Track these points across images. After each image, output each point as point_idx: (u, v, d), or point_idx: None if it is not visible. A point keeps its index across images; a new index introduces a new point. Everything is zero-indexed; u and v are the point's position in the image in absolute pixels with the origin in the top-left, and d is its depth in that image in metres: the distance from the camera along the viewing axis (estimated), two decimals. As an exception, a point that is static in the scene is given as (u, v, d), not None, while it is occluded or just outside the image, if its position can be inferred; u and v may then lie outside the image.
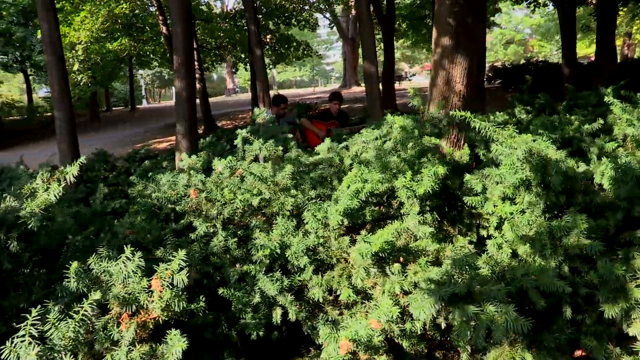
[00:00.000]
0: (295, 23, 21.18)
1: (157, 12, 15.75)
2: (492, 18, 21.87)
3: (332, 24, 28.13)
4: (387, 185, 2.68)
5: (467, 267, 1.95)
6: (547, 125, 3.35)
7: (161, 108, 31.87)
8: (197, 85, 17.79)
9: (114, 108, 34.56)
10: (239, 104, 29.45)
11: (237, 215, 3.04)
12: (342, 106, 7.31)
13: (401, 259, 2.52)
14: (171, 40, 16.71)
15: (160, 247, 2.81)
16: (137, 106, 34.83)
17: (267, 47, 22.22)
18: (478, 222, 2.78)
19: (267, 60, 23.36)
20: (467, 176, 2.75)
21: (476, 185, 2.68)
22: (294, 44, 21.51)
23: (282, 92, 46.50)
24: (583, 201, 2.44)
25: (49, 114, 28.32)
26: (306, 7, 21.83)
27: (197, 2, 20.59)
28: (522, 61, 23.61)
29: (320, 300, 2.41)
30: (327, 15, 27.36)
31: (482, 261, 2.21)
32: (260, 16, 20.55)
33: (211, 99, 39.30)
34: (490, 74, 19.24)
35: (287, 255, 2.50)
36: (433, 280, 1.88)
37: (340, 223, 2.61)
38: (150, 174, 3.94)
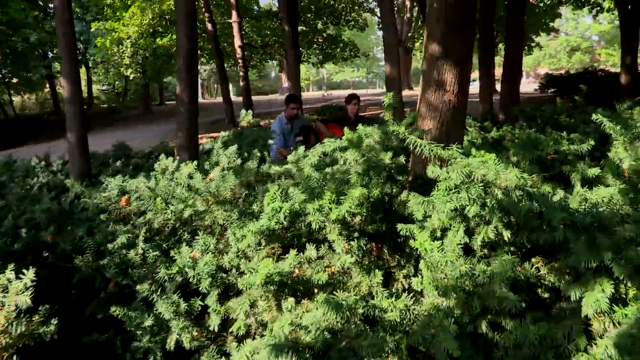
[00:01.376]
0: (344, 23, 20.95)
1: (203, 10, 15.91)
2: (551, 23, 20.67)
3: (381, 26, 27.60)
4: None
5: (347, 312, 1.65)
6: (527, 143, 2.94)
7: (212, 104, 32.29)
8: (241, 83, 17.97)
9: (167, 102, 35.48)
10: (287, 102, 29.38)
11: (168, 227, 2.84)
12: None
13: (315, 290, 2.25)
14: (215, 37, 16.81)
15: (78, 255, 2.65)
16: (191, 101, 35.54)
17: (315, 46, 22.11)
18: (418, 252, 2.44)
19: (314, 60, 23.25)
20: (412, 200, 2.42)
21: (417, 212, 2.34)
22: (341, 44, 21.26)
23: (334, 92, 46.14)
24: (529, 241, 2.06)
25: (104, 105, 29.51)
26: (356, 7, 21.52)
27: None
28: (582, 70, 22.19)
29: (216, 329, 2.16)
30: (379, 16, 26.90)
31: (388, 304, 1.88)
32: (309, 15, 20.47)
33: (262, 97, 39.48)
34: (543, 82, 18.18)
35: (188, 277, 2.27)
36: (300, 325, 1.59)
37: (256, 244, 2.35)
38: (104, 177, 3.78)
